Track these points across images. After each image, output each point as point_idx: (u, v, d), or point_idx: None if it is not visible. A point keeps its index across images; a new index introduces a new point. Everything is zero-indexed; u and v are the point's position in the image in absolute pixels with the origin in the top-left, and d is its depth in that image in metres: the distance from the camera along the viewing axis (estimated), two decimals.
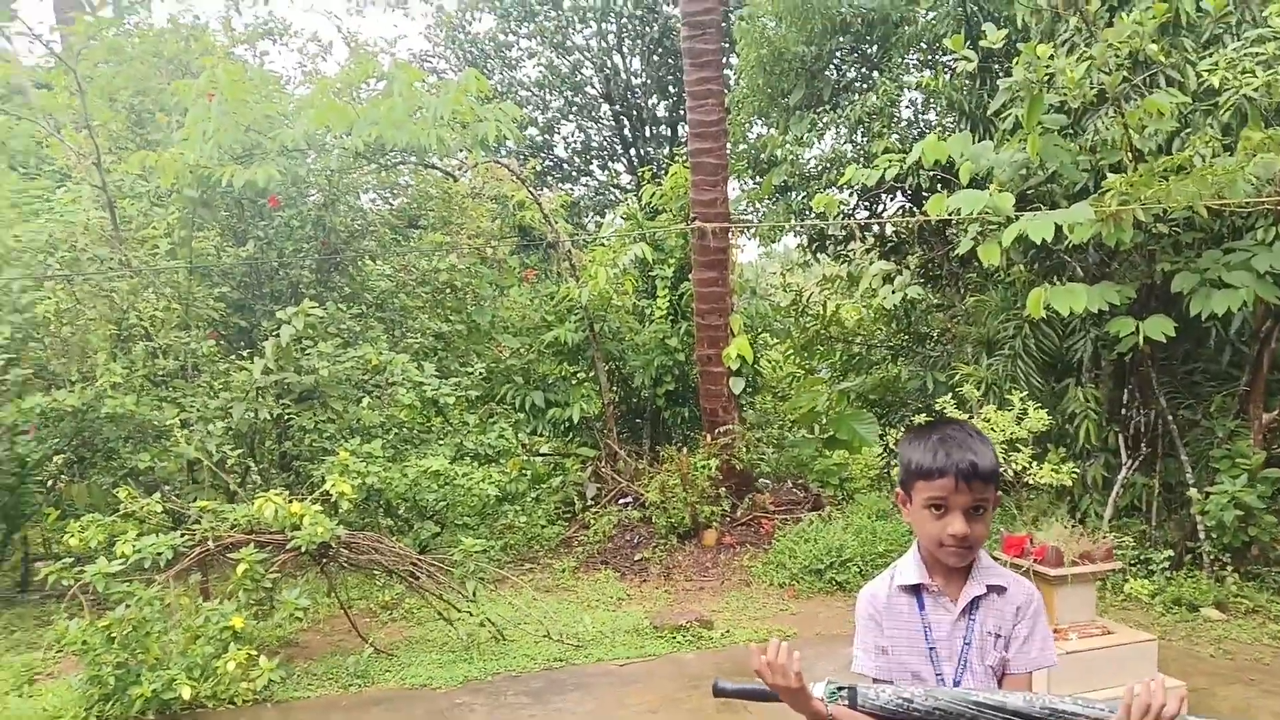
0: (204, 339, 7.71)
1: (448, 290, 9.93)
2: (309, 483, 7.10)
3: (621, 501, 9.29)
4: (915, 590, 2.09)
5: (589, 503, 9.49)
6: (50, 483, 7.93)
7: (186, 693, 5.23)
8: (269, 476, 8.41)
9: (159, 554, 5.57)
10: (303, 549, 5.85)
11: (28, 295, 7.00)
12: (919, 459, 2.02)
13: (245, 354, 7.69)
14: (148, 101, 9.33)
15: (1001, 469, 5.45)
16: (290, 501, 5.93)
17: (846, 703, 1.96)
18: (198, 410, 7.09)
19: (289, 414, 7.57)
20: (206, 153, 7.62)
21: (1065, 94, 6.78)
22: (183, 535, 5.79)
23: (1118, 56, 6.50)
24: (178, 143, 7.88)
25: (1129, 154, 6.73)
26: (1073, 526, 5.34)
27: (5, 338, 6.78)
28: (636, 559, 8.38)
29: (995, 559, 2.17)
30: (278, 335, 7.18)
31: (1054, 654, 2.08)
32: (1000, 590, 2.06)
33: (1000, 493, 2.08)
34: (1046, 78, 6.68)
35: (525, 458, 9.08)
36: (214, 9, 15.69)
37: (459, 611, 6.40)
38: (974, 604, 2.05)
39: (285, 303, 7.93)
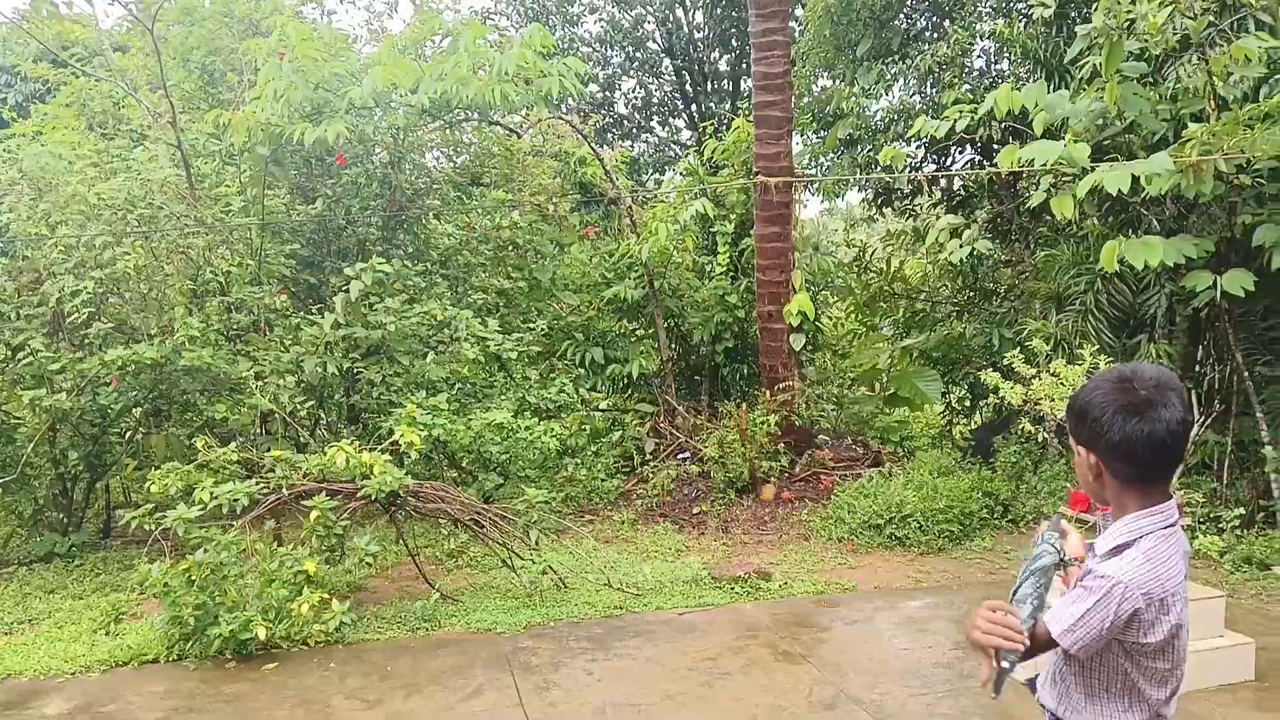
0: (276, 294, 7.91)
1: (509, 247, 10.01)
2: (376, 435, 7.29)
3: (680, 456, 9.35)
4: None
5: (648, 457, 9.57)
6: (129, 434, 8.24)
7: (262, 633, 5.46)
8: (337, 429, 8.64)
9: (236, 501, 5.78)
10: (372, 497, 6.02)
11: (109, 252, 7.24)
12: None
13: (315, 309, 7.86)
14: (219, 61, 9.51)
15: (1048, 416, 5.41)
16: (360, 451, 6.10)
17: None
18: (270, 363, 7.29)
19: (357, 368, 7.75)
20: (277, 111, 7.74)
21: (1146, 40, 6.52)
22: (257, 484, 6.01)
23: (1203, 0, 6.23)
24: (249, 102, 8.03)
25: (1212, 102, 6.47)
26: None
27: (89, 293, 7.03)
28: (695, 512, 8.45)
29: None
30: (346, 291, 7.33)
31: (1059, 627, 1.94)
32: (1096, 556, 2.07)
33: (1072, 436, 2.07)
34: (1127, 23, 6.43)
35: (585, 413, 9.19)
36: None
37: (522, 559, 6.53)
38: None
39: (352, 260, 8.08)
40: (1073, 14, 8.32)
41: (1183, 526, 2.10)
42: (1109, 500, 2.05)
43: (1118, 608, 1.89)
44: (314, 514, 5.89)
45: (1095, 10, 6.50)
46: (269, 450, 6.54)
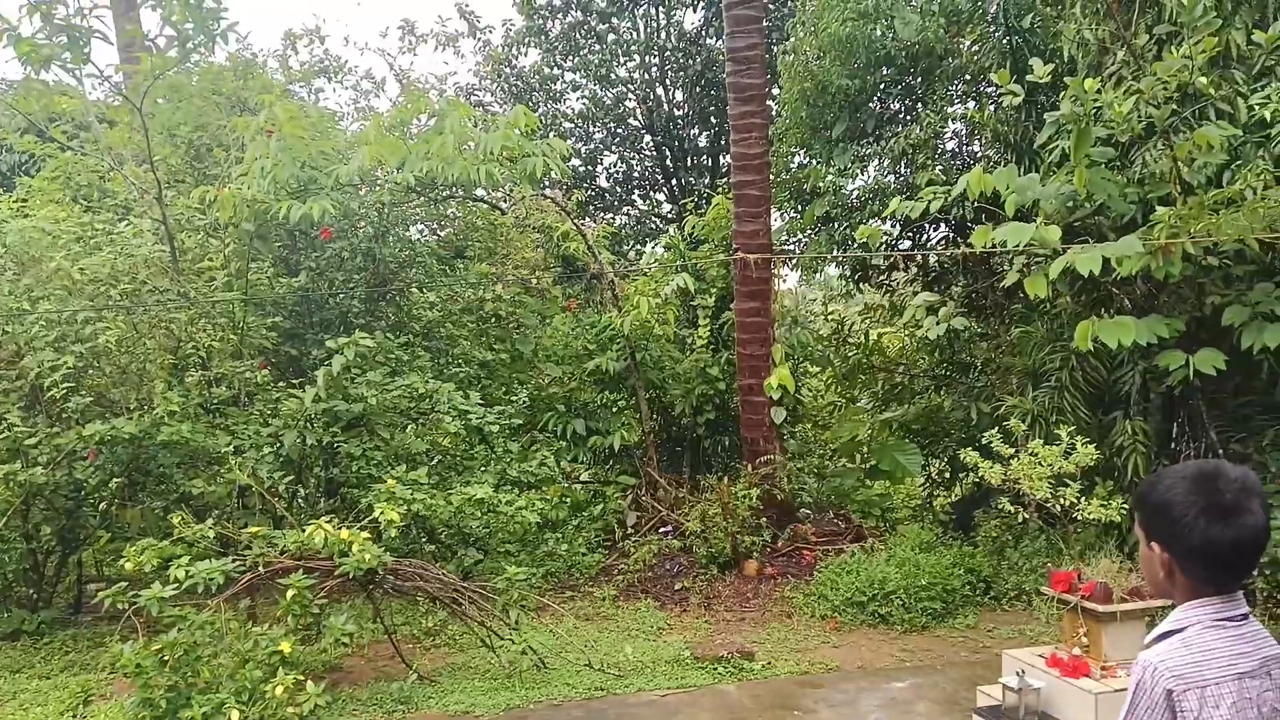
0: (256, 368, 7.90)
1: (492, 319, 10.08)
2: (355, 509, 7.22)
3: (661, 530, 9.31)
4: None
5: (629, 531, 9.51)
6: (104, 507, 8.13)
7: (235, 716, 5.33)
8: (315, 502, 8.55)
9: (211, 579, 5.69)
10: (350, 575, 5.95)
11: (90, 326, 7.23)
12: None
13: (296, 382, 7.85)
14: (206, 137, 9.62)
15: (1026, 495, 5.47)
16: (339, 528, 6.04)
17: None
18: (249, 437, 7.25)
19: (337, 441, 7.71)
20: (264, 188, 7.83)
21: (1113, 127, 6.75)
22: (234, 560, 5.92)
23: (1166, 89, 6.47)
24: (236, 178, 8.12)
25: (1178, 187, 6.68)
26: (1121, 562, 5.27)
27: (69, 367, 6.99)
28: (677, 588, 8.38)
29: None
30: (329, 364, 7.33)
31: None
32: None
33: (1142, 531, 2.06)
34: (1094, 111, 6.66)
35: (566, 485, 9.15)
36: (272, 46, 16.15)
37: (501, 639, 6.45)
38: None
39: (335, 332, 8.10)
40: (1041, 100, 8.60)
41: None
42: (1176, 597, 2.03)
43: (1151, 691, 1.92)
44: (290, 592, 5.80)
45: (1063, 98, 6.73)
46: (245, 525, 6.46)
